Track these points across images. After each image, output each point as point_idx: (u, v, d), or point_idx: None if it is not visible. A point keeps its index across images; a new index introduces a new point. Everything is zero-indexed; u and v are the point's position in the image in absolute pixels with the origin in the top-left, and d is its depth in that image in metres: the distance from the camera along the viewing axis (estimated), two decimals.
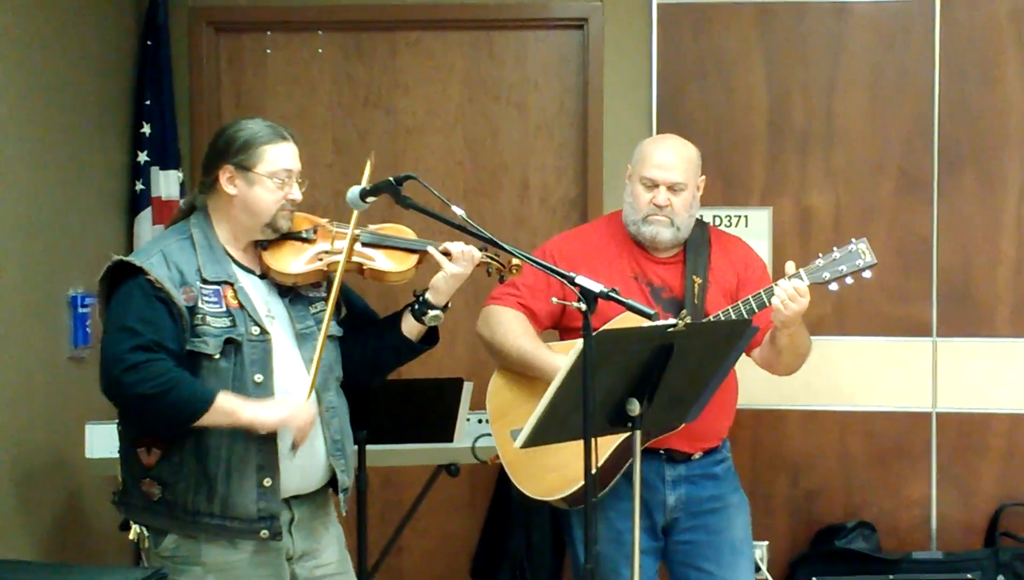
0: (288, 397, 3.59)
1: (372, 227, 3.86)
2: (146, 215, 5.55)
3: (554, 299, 3.94)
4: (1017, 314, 5.49)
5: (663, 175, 4.22)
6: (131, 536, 3.68)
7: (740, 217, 5.55)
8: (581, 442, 3.38)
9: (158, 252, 3.57)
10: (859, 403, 5.56)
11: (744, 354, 4.22)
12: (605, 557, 4.04)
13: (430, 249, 3.77)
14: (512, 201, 5.84)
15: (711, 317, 4.15)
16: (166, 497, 3.55)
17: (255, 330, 3.58)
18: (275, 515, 3.58)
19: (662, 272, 4.29)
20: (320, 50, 5.89)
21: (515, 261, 3.82)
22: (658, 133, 5.54)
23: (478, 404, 4.55)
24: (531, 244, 4.54)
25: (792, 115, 5.60)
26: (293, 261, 3.70)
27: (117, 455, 3.71)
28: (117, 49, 5.58)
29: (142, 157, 5.57)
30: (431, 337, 3.89)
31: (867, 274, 4.13)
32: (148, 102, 5.60)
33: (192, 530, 3.57)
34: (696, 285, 4.25)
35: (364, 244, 3.79)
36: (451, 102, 5.87)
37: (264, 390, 3.57)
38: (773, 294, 4.02)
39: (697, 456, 4.29)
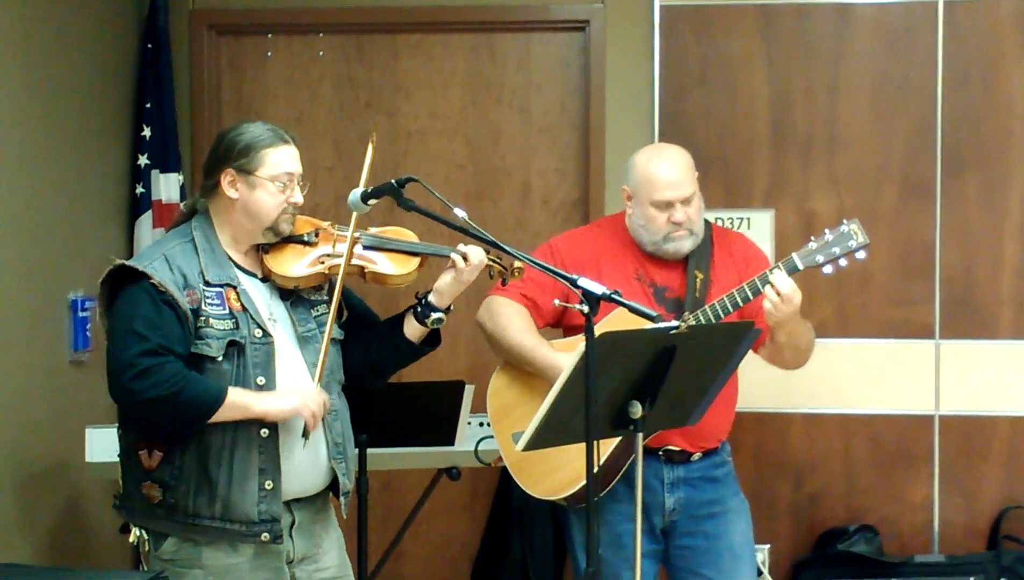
0: (295, 385, 3.58)
1: (374, 230, 3.85)
2: (146, 218, 5.54)
3: (556, 301, 3.93)
4: (1020, 317, 5.49)
5: (676, 193, 4.20)
6: (131, 539, 3.67)
7: (743, 220, 5.54)
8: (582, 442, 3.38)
9: (160, 255, 3.56)
10: (862, 406, 5.55)
11: (752, 351, 4.21)
12: (605, 560, 4.01)
13: (454, 255, 3.76)
14: (514, 204, 5.83)
15: (707, 306, 4.14)
16: (167, 500, 3.54)
17: (258, 332, 3.57)
18: (276, 518, 3.57)
19: (665, 272, 4.28)
20: (321, 53, 5.88)
21: (517, 264, 3.81)
22: (660, 136, 5.55)
23: (479, 407, 4.55)
24: (532, 247, 4.53)
25: (795, 118, 5.59)
26: (295, 264, 3.70)
27: (117, 459, 3.70)
28: (117, 52, 5.58)
29: (142, 160, 5.56)
30: (433, 339, 3.88)
31: (861, 255, 4.12)
32: (148, 105, 5.59)
33: (192, 533, 3.55)
34: (698, 280, 4.24)
35: (366, 247, 3.78)
36: (452, 105, 5.86)
37: (267, 392, 3.56)
38: (768, 282, 4.02)
39: (696, 457, 4.27)
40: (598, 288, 3.38)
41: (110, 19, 5.50)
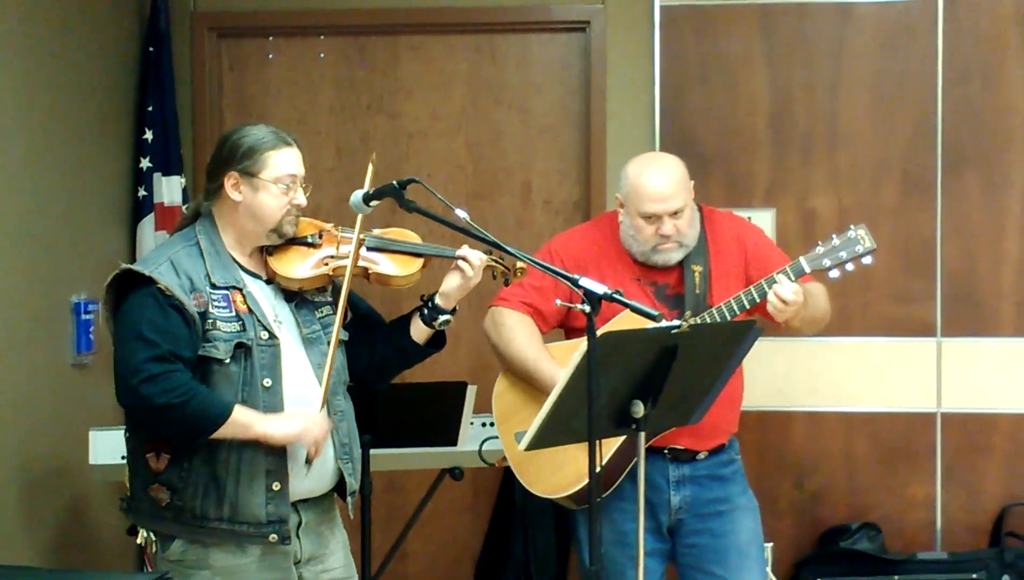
0: (301, 409, 3.59)
1: (377, 231, 3.86)
2: (149, 221, 5.54)
3: (558, 301, 3.93)
4: (1021, 314, 5.50)
5: (663, 207, 4.16)
6: (138, 540, 3.70)
7: (744, 218, 5.55)
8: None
9: (166, 260, 3.56)
10: (864, 404, 5.56)
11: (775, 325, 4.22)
12: (610, 559, 4.03)
13: (460, 263, 3.77)
14: (515, 204, 5.84)
15: (713, 309, 4.14)
16: (174, 502, 3.54)
17: (264, 334, 3.58)
18: (284, 519, 3.58)
19: (664, 270, 4.27)
20: (322, 55, 5.89)
21: (519, 264, 3.82)
22: (661, 135, 5.56)
23: (482, 407, 4.56)
24: (534, 247, 4.54)
25: (795, 117, 5.60)
26: (299, 266, 3.70)
27: (121, 461, 3.72)
28: (119, 55, 5.59)
29: (144, 163, 5.57)
30: (438, 340, 3.89)
31: (867, 260, 4.13)
32: (150, 108, 5.60)
33: (200, 535, 3.56)
34: (696, 274, 4.23)
35: (369, 248, 3.79)
36: (453, 106, 5.87)
37: (273, 394, 3.57)
38: (775, 282, 4.03)
39: (703, 456, 4.28)
40: (600, 288, 3.38)
41: (111, 22, 5.51)
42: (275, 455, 3.56)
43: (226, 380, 3.53)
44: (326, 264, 3.72)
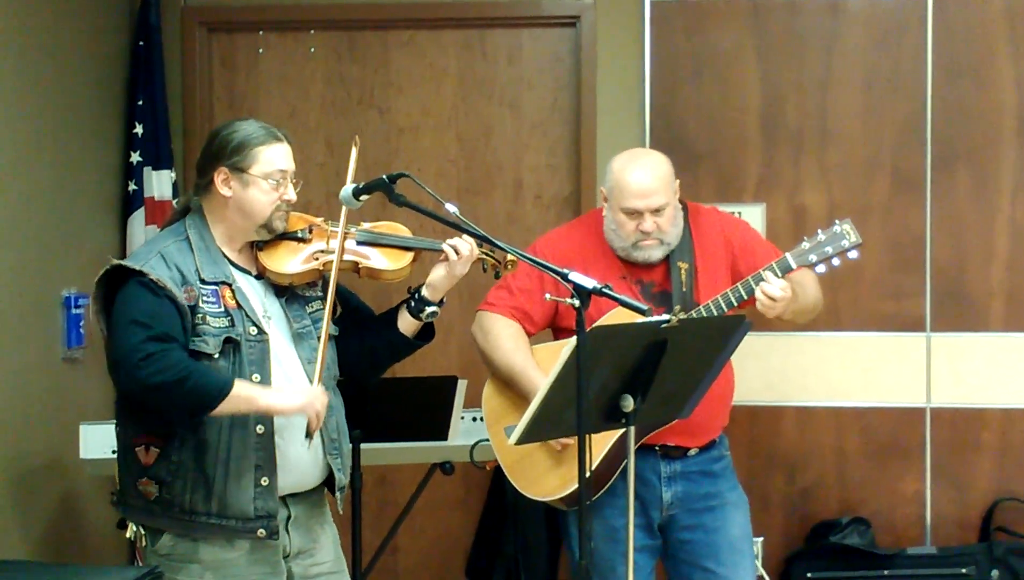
0: (300, 385, 3.60)
1: (367, 225, 3.86)
2: (139, 215, 5.54)
3: (548, 295, 3.94)
4: (1010, 309, 5.51)
5: (644, 203, 4.17)
6: (128, 535, 3.68)
7: (734, 214, 5.55)
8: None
9: (156, 253, 3.56)
10: (854, 399, 5.57)
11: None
12: (601, 555, 4.04)
13: (445, 248, 3.77)
14: (506, 199, 5.85)
15: (701, 306, 4.15)
16: (163, 496, 3.55)
17: (253, 330, 3.58)
18: (272, 514, 3.58)
19: (650, 268, 4.27)
20: (312, 49, 5.89)
21: (510, 257, 3.82)
22: (651, 131, 5.56)
23: (473, 402, 4.56)
24: (524, 242, 4.54)
25: (786, 113, 5.61)
26: (289, 261, 3.71)
27: (111, 455, 3.71)
28: (109, 49, 5.58)
29: (135, 157, 5.56)
30: (427, 332, 3.89)
31: (853, 254, 4.13)
32: (140, 102, 5.60)
33: (189, 529, 3.56)
34: (682, 271, 4.24)
35: (359, 242, 3.79)
36: (444, 101, 5.87)
37: None
38: (762, 280, 4.04)
39: (693, 452, 4.29)
40: (589, 282, 3.39)
41: (101, 17, 5.51)
42: (264, 450, 3.56)
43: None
44: (316, 259, 3.72)
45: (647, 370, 3.50)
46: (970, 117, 5.51)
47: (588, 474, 3.38)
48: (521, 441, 3.55)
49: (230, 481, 3.54)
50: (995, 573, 5.30)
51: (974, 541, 5.47)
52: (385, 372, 4.05)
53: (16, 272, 4.74)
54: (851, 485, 5.59)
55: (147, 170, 5.57)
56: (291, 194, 3.67)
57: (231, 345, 3.55)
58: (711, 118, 5.63)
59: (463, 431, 4.77)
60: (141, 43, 5.64)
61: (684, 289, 4.21)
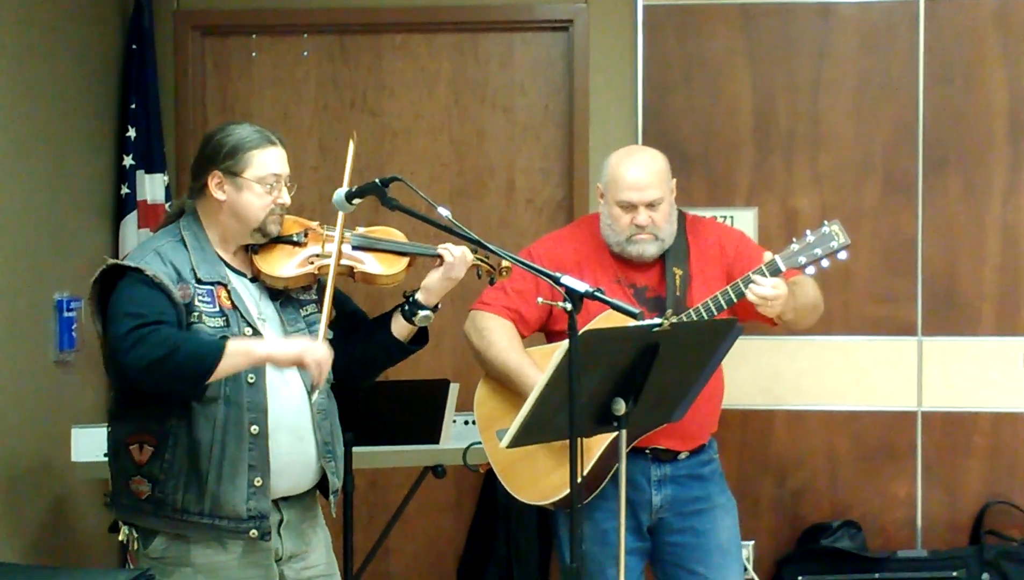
0: (300, 338, 3.59)
1: (362, 230, 3.86)
2: (132, 219, 5.54)
3: (540, 299, 3.93)
4: (1001, 313, 5.52)
5: (639, 196, 4.20)
6: (120, 537, 3.68)
7: (726, 218, 5.56)
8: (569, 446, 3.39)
9: (152, 251, 3.57)
10: (845, 403, 5.58)
11: (770, 325, 4.24)
12: (591, 557, 4.05)
13: (440, 251, 3.77)
14: (498, 203, 5.85)
15: (691, 309, 4.16)
16: (155, 495, 3.54)
17: (248, 331, 3.58)
18: (264, 515, 3.58)
19: (644, 272, 4.29)
20: (305, 53, 5.90)
21: (504, 263, 3.82)
22: (644, 134, 5.57)
23: (465, 406, 4.56)
24: (517, 246, 4.55)
25: (777, 117, 5.62)
26: (284, 265, 3.71)
27: (103, 458, 3.70)
28: (102, 53, 5.58)
29: (128, 161, 5.56)
30: (421, 337, 3.89)
31: (842, 255, 4.13)
32: (133, 106, 5.60)
33: (180, 529, 3.56)
34: (677, 277, 4.25)
35: (354, 247, 3.79)
36: (437, 104, 5.88)
37: (257, 390, 3.57)
38: (750, 282, 4.04)
39: (683, 456, 4.30)
40: (581, 286, 3.40)
41: (94, 20, 5.51)
42: (258, 450, 3.56)
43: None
44: (311, 263, 3.72)
45: (639, 374, 3.50)
46: (961, 121, 5.53)
47: (580, 479, 3.38)
48: (513, 444, 3.56)
49: (223, 481, 3.54)
50: (985, 576, 5.31)
51: (965, 544, 5.48)
52: (378, 376, 4.05)
53: (8, 275, 4.74)
54: (842, 488, 5.60)
55: (140, 173, 5.57)
56: (285, 198, 3.67)
57: None
58: (703, 122, 5.64)
59: (455, 434, 4.78)
60: (134, 46, 5.64)
61: (678, 294, 4.22)
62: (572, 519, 3.43)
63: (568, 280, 3.42)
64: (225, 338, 3.46)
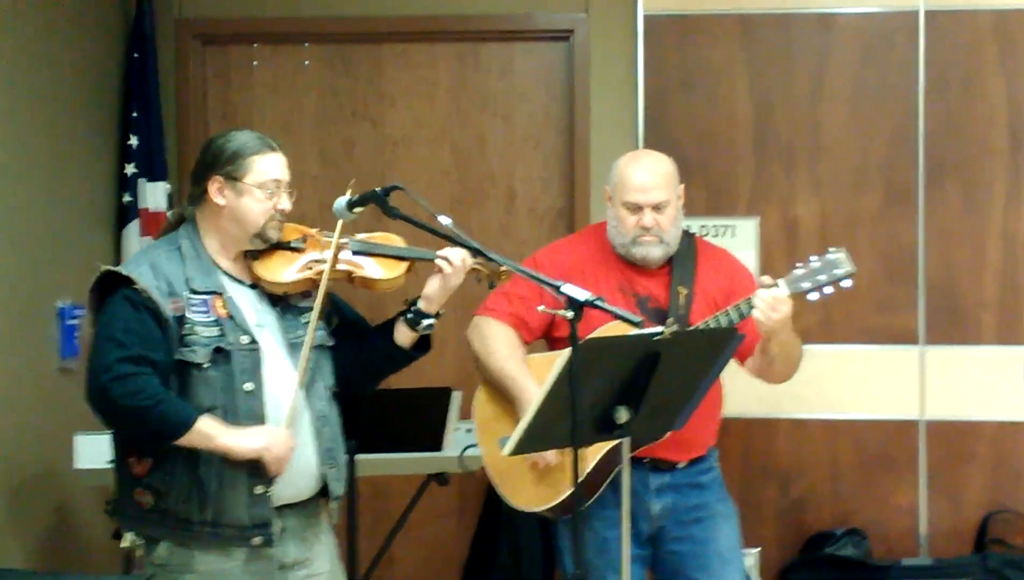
0: (266, 427, 3.58)
1: (361, 236, 3.86)
2: (134, 227, 5.55)
3: (541, 308, 3.94)
4: (1003, 322, 5.52)
5: (645, 197, 4.21)
6: (124, 544, 3.69)
7: (727, 227, 5.57)
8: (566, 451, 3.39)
9: (146, 263, 3.57)
10: (847, 412, 5.58)
11: (738, 364, 4.24)
12: (591, 567, 4.05)
13: (438, 260, 3.77)
14: (499, 211, 5.86)
15: (691, 328, 4.16)
16: (159, 506, 3.54)
17: (244, 339, 3.58)
18: (267, 522, 3.58)
19: (648, 283, 4.29)
20: (307, 62, 5.91)
21: (503, 268, 3.82)
22: (644, 144, 5.57)
23: (467, 413, 4.56)
24: (518, 254, 4.55)
25: (777, 126, 5.62)
26: (283, 270, 3.71)
27: (106, 466, 3.72)
28: (104, 61, 5.59)
29: (129, 169, 5.58)
30: (424, 344, 3.89)
31: (846, 284, 4.11)
32: (135, 114, 5.61)
33: (185, 538, 3.56)
34: (681, 295, 4.25)
35: (354, 252, 3.79)
36: (437, 114, 5.89)
37: (254, 398, 3.57)
38: (752, 304, 4.01)
39: (682, 465, 4.29)
40: (581, 294, 3.40)
41: (96, 28, 5.52)
42: (257, 459, 3.56)
43: (205, 384, 3.53)
44: (310, 269, 3.72)
45: (640, 382, 3.50)
46: (961, 130, 5.54)
47: (579, 486, 3.38)
48: (515, 452, 3.55)
49: (224, 490, 3.53)
50: None
51: (969, 553, 5.48)
52: (381, 383, 4.06)
53: (11, 282, 4.75)
54: (846, 497, 5.60)
55: (142, 182, 5.58)
56: (285, 204, 3.67)
57: (221, 355, 3.54)
58: (703, 131, 5.65)
59: (458, 442, 4.78)
60: (136, 55, 5.65)
61: (680, 312, 4.22)
62: (575, 526, 3.44)
63: (568, 288, 3.43)
64: (195, 415, 3.47)
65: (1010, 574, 5.30)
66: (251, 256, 3.70)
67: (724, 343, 3.72)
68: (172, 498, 3.53)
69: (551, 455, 4.08)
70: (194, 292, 3.56)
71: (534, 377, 4.17)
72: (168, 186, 5.63)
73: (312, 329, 3.65)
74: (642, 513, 4.25)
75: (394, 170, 5.84)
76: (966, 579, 5.30)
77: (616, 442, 3.82)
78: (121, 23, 5.73)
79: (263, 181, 3.62)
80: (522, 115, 5.87)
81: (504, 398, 4.26)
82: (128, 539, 3.66)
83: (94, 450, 4.61)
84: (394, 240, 3.86)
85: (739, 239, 5.55)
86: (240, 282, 3.69)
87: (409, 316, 3.81)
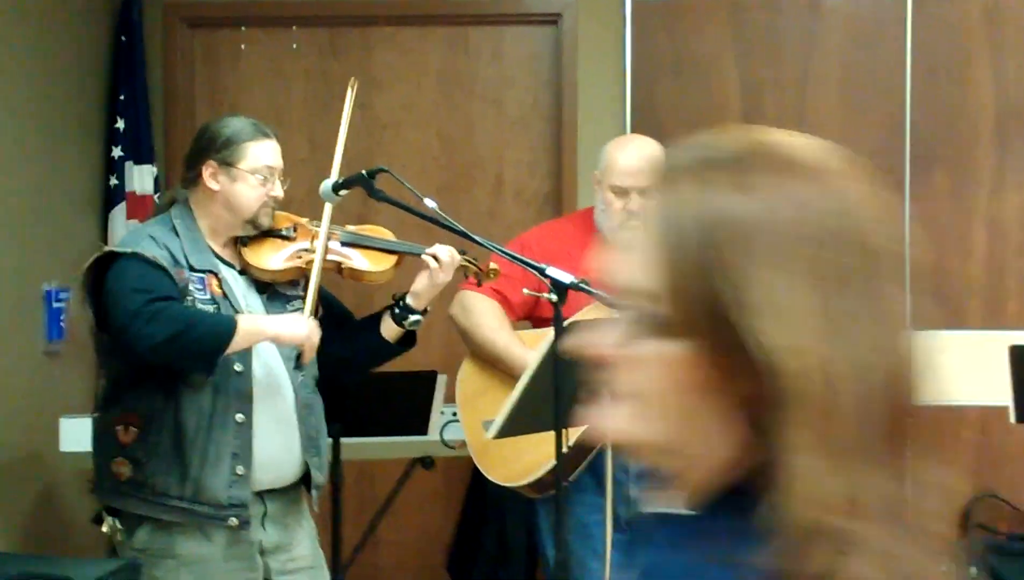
0: (301, 317, 3.63)
1: (351, 228, 3.88)
2: (120, 210, 5.54)
3: (526, 290, 3.95)
4: (989, 308, 5.53)
5: (633, 182, 4.21)
6: (104, 529, 3.68)
7: None
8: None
9: (146, 236, 3.60)
10: None
11: None
12: (571, 551, 4.06)
13: (424, 255, 3.77)
14: (487, 196, 5.86)
15: None
16: (135, 477, 3.55)
17: None
18: (245, 504, 3.58)
19: None
20: (295, 46, 5.90)
21: (492, 265, 3.84)
22: (632, 130, 5.57)
23: (452, 397, 4.57)
24: (505, 238, 4.55)
25: (765, 111, 5.62)
26: (272, 257, 3.72)
27: (91, 448, 3.71)
28: (91, 44, 5.58)
29: (116, 152, 5.56)
30: (409, 339, 3.90)
31: None
32: (122, 97, 5.59)
33: (158, 513, 3.56)
34: None
35: (343, 243, 3.81)
36: (426, 98, 5.88)
37: (244, 379, 3.59)
38: None
39: None
40: (566, 277, 3.41)
41: (83, 11, 5.51)
42: (242, 440, 3.57)
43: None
44: (299, 257, 3.74)
45: None
46: (949, 116, 5.54)
47: (558, 467, 3.39)
48: (500, 435, 3.57)
49: (207, 467, 3.54)
50: (973, 570, 5.31)
51: (952, 538, 5.48)
52: (364, 375, 4.07)
53: None
54: None
55: (129, 165, 5.57)
56: (278, 190, 3.70)
57: None
58: (691, 116, 5.64)
59: (443, 426, 4.78)
60: (123, 38, 5.64)
61: None
62: (557, 508, 3.45)
63: (553, 271, 3.44)
64: (234, 317, 3.50)
65: (993, 559, 5.31)
66: (241, 242, 3.72)
67: None
68: (151, 469, 3.53)
69: None
70: (192, 269, 3.57)
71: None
72: (155, 169, 5.62)
73: (308, 312, 3.65)
74: (621, 498, 4.25)
75: (382, 154, 5.83)
76: (949, 564, 5.30)
77: None
78: (108, 6, 5.71)
79: (257, 167, 3.64)
80: (510, 99, 5.87)
81: (489, 373, 4.27)
82: (108, 524, 3.65)
83: (80, 433, 4.60)
84: (384, 233, 3.88)
85: None
86: (231, 266, 3.70)
87: (396, 311, 3.81)
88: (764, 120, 5.61)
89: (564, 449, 3.39)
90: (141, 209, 5.42)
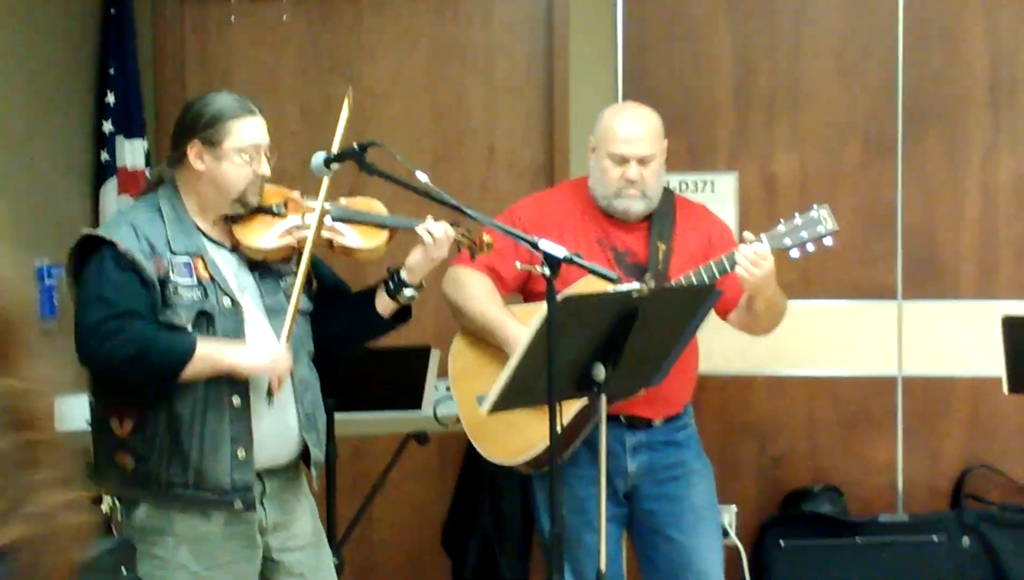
0: (266, 343, 3.59)
1: (343, 202, 3.85)
2: (112, 185, 5.51)
3: (518, 264, 3.93)
4: (982, 276, 5.51)
5: (631, 149, 4.19)
6: (103, 508, 3.68)
7: (706, 182, 5.55)
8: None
9: (127, 224, 3.56)
10: (825, 368, 5.57)
11: (720, 318, 4.24)
12: (568, 526, 4.05)
13: (419, 229, 3.75)
14: (479, 166, 5.84)
15: (671, 282, 4.15)
16: (140, 469, 3.54)
17: (227, 302, 3.58)
18: (248, 486, 3.58)
19: (627, 237, 4.28)
20: (285, 17, 5.86)
21: (487, 239, 3.81)
22: (624, 98, 5.54)
23: (445, 372, 4.56)
24: (497, 209, 4.53)
25: (758, 80, 5.60)
26: (263, 236, 3.69)
27: (85, 427, 3.70)
28: (80, 17, 5.55)
29: (107, 126, 5.53)
30: (404, 313, 3.89)
31: (828, 241, 4.12)
32: (112, 71, 5.56)
33: (166, 501, 3.56)
34: (660, 251, 4.24)
35: (335, 219, 3.78)
36: (417, 67, 5.85)
37: None
38: (735, 260, 4.01)
39: (658, 423, 4.29)
40: (559, 250, 3.40)
41: None
42: (240, 423, 3.56)
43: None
44: (291, 234, 3.71)
45: (618, 339, 3.51)
46: (941, 82, 5.51)
47: (555, 442, 3.39)
48: (494, 410, 3.56)
49: (206, 454, 3.54)
50: (966, 540, 5.33)
51: (945, 508, 5.50)
52: (359, 350, 4.05)
53: None
54: (823, 454, 5.60)
55: (119, 139, 5.54)
56: (265, 169, 3.66)
57: (204, 317, 3.54)
58: (683, 84, 5.62)
59: (437, 400, 4.78)
60: (112, 11, 5.60)
61: (659, 268, 4.21)
62: (552, 484, 3.44)
63: (546, 245, 3.43)
64: (194, 341, 3.47)
65: (986, 529, 5.32)
66: (231, 220, 3.69)
67: (702, 300, 3.73)
68: (153, 461, 3.53)
69: None
70: (175, 254, 3.55)
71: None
72: (146, 144, 5.59)
73: (296, 298, 3.64)
74: (618, 471, 4.25)
75: (372, 125, 5.80)
76: (943, 535, 5.32)
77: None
78: None
79: (242, 146, 3.60)
80: (501, 68, 5.83)
81: (481, 348, 4.25)
82: (107, 503, 3.65)
83: (73, 412, 4.58)
84: (376, 207, 3.85)
85: (718, 194, 5.53)
86: (220, 245, 3.68)
87: (390, 285, 3.80)
88: (756, 88, 5.60)
89: (558, 428, 3.38)
90: (133, 184, 5.40)
